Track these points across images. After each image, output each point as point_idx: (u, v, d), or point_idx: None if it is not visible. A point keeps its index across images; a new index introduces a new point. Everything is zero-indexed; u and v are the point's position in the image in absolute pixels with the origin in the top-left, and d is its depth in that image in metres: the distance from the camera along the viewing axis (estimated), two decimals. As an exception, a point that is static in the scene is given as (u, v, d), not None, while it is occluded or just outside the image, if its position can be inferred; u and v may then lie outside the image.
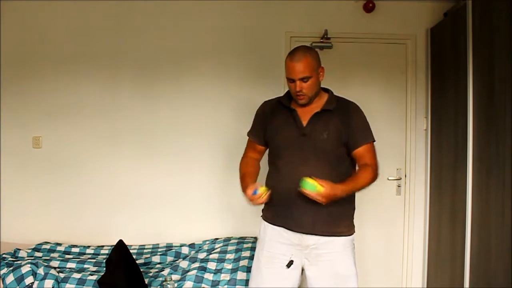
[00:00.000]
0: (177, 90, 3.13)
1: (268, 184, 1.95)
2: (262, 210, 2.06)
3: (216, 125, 3.14)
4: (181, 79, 3.13)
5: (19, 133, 3.12)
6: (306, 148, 1.89)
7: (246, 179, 1.96)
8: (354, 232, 1.99)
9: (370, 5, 3.08)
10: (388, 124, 3.16)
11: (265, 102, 2.11)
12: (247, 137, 2.18)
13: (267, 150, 2.09)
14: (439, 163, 2.98)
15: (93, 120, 3.12)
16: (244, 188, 1.92)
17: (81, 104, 3.12)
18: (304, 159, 1.88)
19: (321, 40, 3.09)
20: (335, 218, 1.91)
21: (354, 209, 2.01)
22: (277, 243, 1.95)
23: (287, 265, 1.93)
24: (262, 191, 1.82)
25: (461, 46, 2.55)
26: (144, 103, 3.13)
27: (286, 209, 1.91)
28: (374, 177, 1.91)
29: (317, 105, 1.94)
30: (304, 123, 1.91)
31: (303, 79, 1.84)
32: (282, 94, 3.01)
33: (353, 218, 2.00)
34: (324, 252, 1.90)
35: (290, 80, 1.87)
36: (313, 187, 1.71)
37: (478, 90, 2.38)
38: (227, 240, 2.86)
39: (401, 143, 3.19)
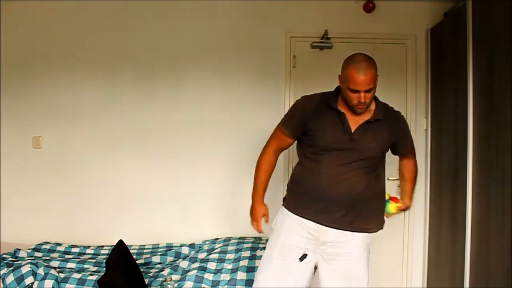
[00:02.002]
0: (177, 90, 3.13)
1: (304, 176, 1.97)
2: (284, 199, 2.05)
3: (215, 125, 3.14)
4: (181, 79, 3.13)
5: (19, 133, 3.12)
6: (352, 151, 1.89)
7: (259, 191, 2.06)
8: (382, 228, 2.03)
9: (370, 5, 3.08)
10: (388, 124, 3.16)
11: (305, 97, 2.04)
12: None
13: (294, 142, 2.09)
14: (439, 164, 2.98)
15: (93, 120, 3.12)
16: (254, 203, 2.08)
17: (81, 104, 3.12)
18: (347, 160, 1.89)
19: (321, 40, 3.09)
20: (365, 214, 1.95)
21: (383, 207, 2.06)
22: (295, 234, 1.93)
23: (300, 258, 1.91)
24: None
25: (461, 46, 2.55)
26: (144, 103, 3.13)
27: (321, 202, 1.90)
28: (417, 168, 2.24)
29: (366, 111, 1.93)
30: (353, 128, 1.91)
31: (368, 90, 1.83)
32: (282, 94, 3.01)
33: (383, 213, 2.07)
34: (340, 251, 1.91)
35: (353, 91, 1.83)
36: (394, 208, 2.10)
37: (478, 90, 2.38)
38: (227, 240, 2.86)
39: (401, 143, 3.19)
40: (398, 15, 3.15)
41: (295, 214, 1.96)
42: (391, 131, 1.97)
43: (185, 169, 3.14)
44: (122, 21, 3.12)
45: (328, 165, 1.89)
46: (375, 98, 1.98)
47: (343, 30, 3.12)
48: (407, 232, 3.19)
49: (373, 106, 1.95)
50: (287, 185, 2.08)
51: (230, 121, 3.13)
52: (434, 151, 3.07)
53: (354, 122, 1.91)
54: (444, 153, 2.89)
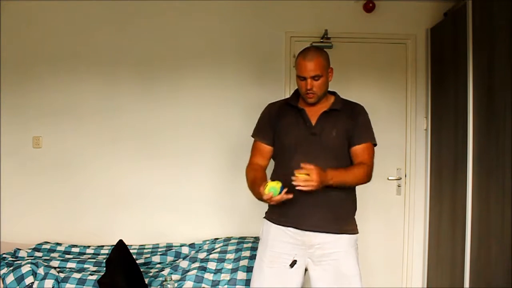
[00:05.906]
0: (177, 90, 3.13)
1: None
2: (266, 212, 2.05)
3: (216, 125, 3.14)
4: (181, 79, 3.13)
5: (19, 133, 3.12)
6: (316, 146, 1.91)
7: (256, 185, 1.87)
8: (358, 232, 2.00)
9: (370, 5, 3.09)
10: (388, 124, 3.16)
11: (269, 104, 2.11)
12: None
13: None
14: (439, 163, 2.98)
15: (94, 120, 3.12)
16: (257, 193, 1.85)
17: (81, 104, 3.12)
18: (313, 158, 1.87)
19: (321, 40, 3.09)
20: (343, 216, 1.94)
21: (356, 209, 2.03)
22: (281, 242, 1.94)
23: (290, 265, 1.91)
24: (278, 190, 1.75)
25: (461, 46, 2.55)
26: (144, 103, 3.13)
27: (296, 208, 1.89)
28: (367, 176, 1.92)
29: (324, 106, 1.97)
30: (313, 122, 1.94)
31: (314, 77, 1.87)
32: (282, 94, 3.03)
33: (355, 217, 2.02)
34: (328, 252, 1.90)
35: (301, 78, 1.90)
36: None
37: (478, 90, 2.38)
38: (227, 240, 2.86)
39: (401, 143, 3.19)
40: (398, 15, 3.15)
41: (277, 224, 1.96)
42: (349, 120, 1.96)
43: (185, 168, 3.14)
44: (122, 21, 3.12)
45: (293, 167, 1.83)
46: (335, 94, 2.02)
47: (343, 30, 3.12)
48: (407, 232, 3.19)
49: (331, 100, 1.99)
50: None
51: (230, 121, 3.13)
52: (434, 150, 3.08)
53: (314, 116, 1.95)
54: (444, 152, 2.89)
